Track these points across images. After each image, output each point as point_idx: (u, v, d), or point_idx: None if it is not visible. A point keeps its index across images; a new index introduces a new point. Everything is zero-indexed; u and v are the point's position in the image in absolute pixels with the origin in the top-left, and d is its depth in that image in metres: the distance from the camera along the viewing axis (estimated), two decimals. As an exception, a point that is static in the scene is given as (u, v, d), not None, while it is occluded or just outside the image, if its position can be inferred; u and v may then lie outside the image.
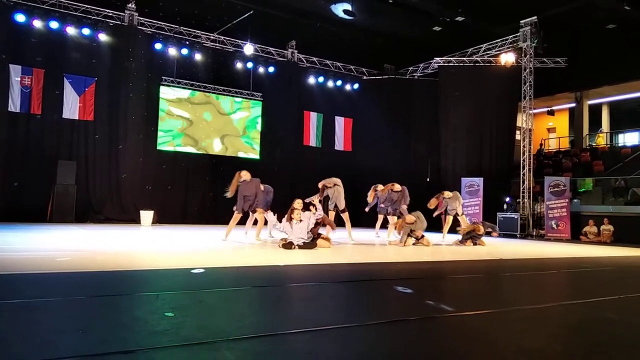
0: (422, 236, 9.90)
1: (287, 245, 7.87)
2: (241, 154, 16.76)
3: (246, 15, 14.71)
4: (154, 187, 14.88)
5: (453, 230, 12.07)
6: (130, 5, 14.55)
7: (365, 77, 19.06)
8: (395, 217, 11.14)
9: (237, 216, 9.41)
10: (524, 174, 16.24)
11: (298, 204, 8.30)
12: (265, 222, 10.50)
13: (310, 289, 4.62)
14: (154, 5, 14.85)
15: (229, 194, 9.38)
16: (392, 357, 2.53)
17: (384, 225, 12.09)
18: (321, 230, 8.81)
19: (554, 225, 15.30)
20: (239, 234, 10.13)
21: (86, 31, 13.83)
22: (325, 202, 10.57)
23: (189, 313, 3.21)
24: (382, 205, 11.57)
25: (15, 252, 6.35)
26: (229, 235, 9.28)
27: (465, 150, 17.01)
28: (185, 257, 6.49)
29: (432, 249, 9.39)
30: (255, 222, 9.98)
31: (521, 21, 15.88)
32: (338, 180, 10.30)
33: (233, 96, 16.72)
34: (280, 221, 8.27)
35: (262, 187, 9.64)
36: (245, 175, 9.37)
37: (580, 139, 22.48)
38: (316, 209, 8.64)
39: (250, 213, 9.90)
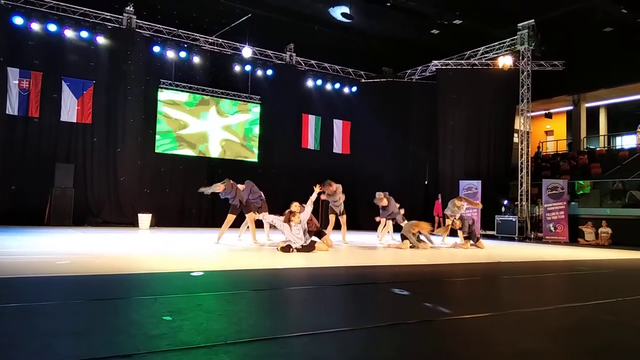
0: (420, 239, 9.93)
1: (286, 248, 7.86)
2: (239, 157, 16.75)
3: (244, 18, 14.73)
4: (152, 190, 14.87)
5: (453, 233, 12.09)
6: (128, 8, 14.56)
7: (363, 80, 19.09)
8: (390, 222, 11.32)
9: (230, 218, 9.41)
10: (521, 177, 16.26)
11: (295, 207, 8.30)
12: (260, 225, 10.54)
13: (309, 292, 4.61)
14: (152, 8, 14.86)
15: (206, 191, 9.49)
16: (390, 361, 2.52)
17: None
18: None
19: (552, 228, 15.32)
20: (232, 237, 10.12)
21: (84, 34, 13.84)
22: (325, 204, 10.61)
23: (187, 317, 3.20)
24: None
25: (13, 256, 6.34)
26: (221, 238, 9.31)
27: (463, 153, 17.03)
28: (183, 261, 6.48)
29: (429, 252, 9.39)
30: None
31: (519, 24, 15.92)
32: (339, 186, 10.43)
33: (231, 99, 16.73)
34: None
35: (243, 187, 9.69)
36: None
37: (578, 142, 22.54)
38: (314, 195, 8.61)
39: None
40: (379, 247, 10.19)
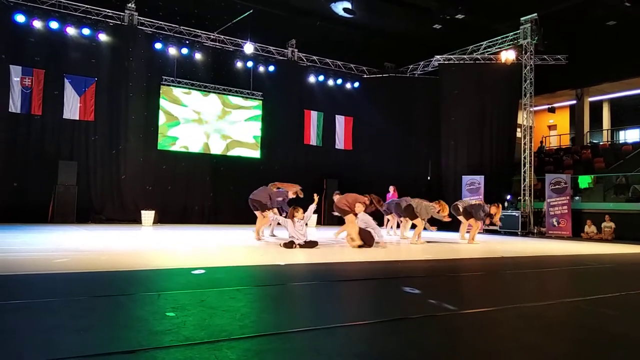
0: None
1: (288, 244, 7.87)
2: (242, 153, 16.75)
3: (246, 14, 14.70)
4: (154, 187, 14.87)
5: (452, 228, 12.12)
6: (130, 5, 14.54)
7: (365, 76, 19.04)
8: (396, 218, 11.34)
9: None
10: (524, 172, 16.22)
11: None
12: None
13: (312, 288, 4.62)
14: (153, 5, 14.84)
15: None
16: (394, 355, 2.53)
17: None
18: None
19: (555, 223, 15.29)
20: (243, 234, 10.14)
21: (86, 31, 13.82)
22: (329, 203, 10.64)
23: (190, 312, 3.21)
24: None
25: (17, 253, 6.36)
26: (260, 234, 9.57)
27: (466, 148, 16.99)
28: (187, 257, 6.50)
29: (431, 247, 9.39)
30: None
31: (521, 18, 15.86)
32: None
33: (233, 95, 16.70)
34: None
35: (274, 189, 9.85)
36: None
37: (581, 136, 22.45)
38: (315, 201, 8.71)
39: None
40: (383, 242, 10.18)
